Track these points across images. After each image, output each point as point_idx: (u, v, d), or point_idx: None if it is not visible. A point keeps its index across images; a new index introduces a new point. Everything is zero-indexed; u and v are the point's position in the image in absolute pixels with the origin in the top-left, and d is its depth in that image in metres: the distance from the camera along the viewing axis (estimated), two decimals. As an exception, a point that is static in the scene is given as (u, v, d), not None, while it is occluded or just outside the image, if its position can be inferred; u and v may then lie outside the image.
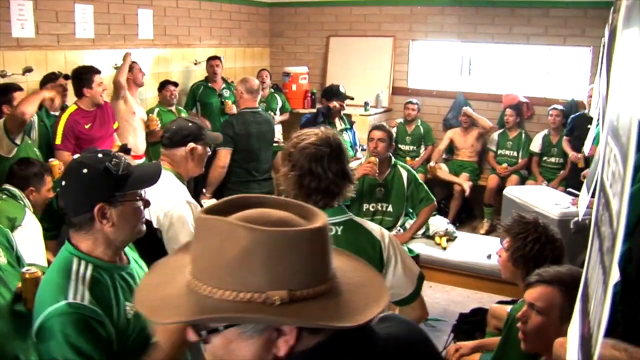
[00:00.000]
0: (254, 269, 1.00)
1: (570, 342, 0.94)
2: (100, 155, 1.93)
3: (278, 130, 7.58)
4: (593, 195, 2.16)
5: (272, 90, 7.88)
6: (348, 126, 5.86)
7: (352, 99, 5.84)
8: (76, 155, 1.97)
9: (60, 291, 1.78)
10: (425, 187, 4.68)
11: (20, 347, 2.38)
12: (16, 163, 3.77)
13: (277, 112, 7.68)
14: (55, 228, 4.05)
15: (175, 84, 6.58)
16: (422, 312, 2.39)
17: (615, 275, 0.57)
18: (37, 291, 2.26)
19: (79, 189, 1.87)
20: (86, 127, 4.88)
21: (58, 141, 4.78)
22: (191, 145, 3.16)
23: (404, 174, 4.59)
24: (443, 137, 7.95)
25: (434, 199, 4.70)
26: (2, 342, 2.33)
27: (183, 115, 6.25)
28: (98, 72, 5.02)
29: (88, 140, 4.84)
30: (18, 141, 4.14)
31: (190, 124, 3.23)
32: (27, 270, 2.37)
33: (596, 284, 0.71)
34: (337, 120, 5.75)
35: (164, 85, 6.47)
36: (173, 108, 6.48)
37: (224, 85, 7.13)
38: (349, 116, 6.23)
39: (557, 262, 2.75)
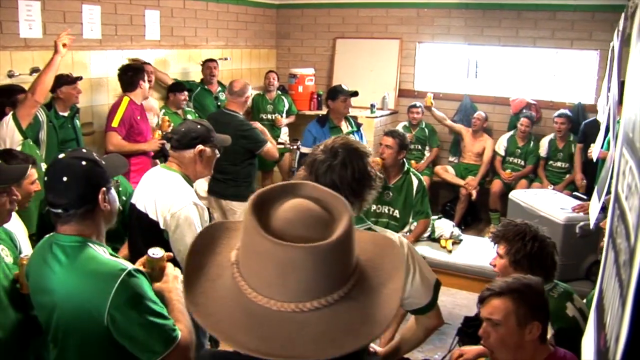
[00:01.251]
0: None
1: (585, 354, 0.93)
2: (83, 150, 2.17)
3: (284, 132, 7.58)
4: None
5: (280, 92, 7.86)
6: (355, 129, 5.84)
7: (357, 94, 5.81)
8: (61, 155, 2.11)
9: (113, 266, 2.00)
10: (428, 201, 4.75)
11: (30, 337, 2.43)
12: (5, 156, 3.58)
13: (284, 114, 7.67)
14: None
15: (190, 90, 6.64)
16: (437, 321, 2.33)
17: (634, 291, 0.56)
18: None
19: (85, 179, 2.04)
20: (138, 117, 5.31)
21: (115, 124, 5.15)
22: (199, 147, 3.17)
23: (415, 182, 4.59)
24: (448, 139, 7.97)
25: (431, 215, 4.86)
26: (13, 335, 2.38)
27: (189, 117, 6.24)
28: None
29: (137, 131, 5.28)
30: (25, 132, 4.20)
31: (199, 126, 3.24)
32: (24, 256, 2.44)
33: (612, 297, 0.71)
34: (343, 123, 5.73)
35: (179, 88, 6.42)
36: (180, 111, 6.44)
37: (219, 89, 7.09)
38: (355, 118, 6.22)
39: (554, 260, 2.89)
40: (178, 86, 6.45)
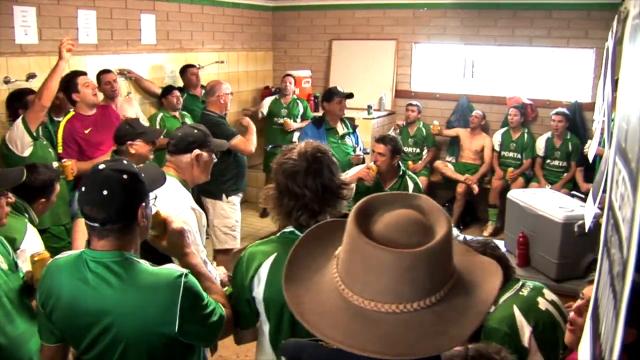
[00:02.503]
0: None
1: (581, 363, 0.94)
2: (124, 161, 2.06)
3: (297, 136, 7.58)
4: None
5: (295, 97, 7.81)
6: (351, 130, 5.84)
7: (352, 95, 5.80)
8: (101, 166, 1.99)
9: (168, 274, 1.97)
10: None
11: (35, 345, 2.44)
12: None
13: (299, 118, 7.63)
14: None
15: (180, 89, 6.55)
16: None
17: (627, 304, 0.57)
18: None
19: (125, 194, 1.96)
20: (86, 132, 4.84)
21: (60, 149, 4.77)
22: (196, 151, 3.18)
23: (411, 185, 4.58)
24: (445, 140, 7.97)
25: None
26: (17, 344, 2.41)
27: (187, 121, 6.21)
28: (82, 73, 4.98)
29: (89, 145, 4.84)
30: (35, 134, 4.36)
31: (195, 131, 3.26)
32: (36, 253, 2.45)
33: (607, 307, 0.71)
34: (339, 125, 5.73)
35: (169, 90, 6.37)
36: (177, 113, 6.37)
37: (204, 92, 6.87)
38: (351, 120, 6.22)
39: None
40: (167, 89, 6.40)
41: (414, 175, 4.82)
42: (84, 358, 2.04)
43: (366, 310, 1.12)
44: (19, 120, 4.34)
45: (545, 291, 2.96)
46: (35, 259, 2.47)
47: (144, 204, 2.01)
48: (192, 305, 1.96)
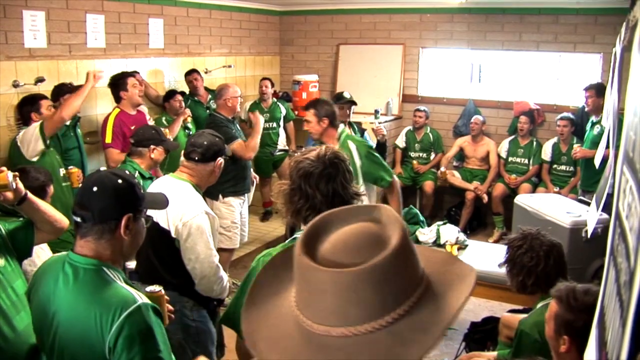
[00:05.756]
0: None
1: (587, 371, 0.94)
2: (127, 172, 2.09)
3: (282, 138, 7.58)
4: (603, 210, 2.15)
5: (275, 99, 7.76)
6: (358, 135, 5.82)
7: (355, 103, 5.75)
8: (102, 168, 2.03)
9: (123, 295, 1.87)
10: (383, 162, 4.34)
11: None
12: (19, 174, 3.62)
13: (281, 121, 7.62)
14: None
15: (182, 93, 6.52)
16: None
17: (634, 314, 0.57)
18: None
19: (113, 196, 1.95)
20: (132, 128, 4.99)
21: (108, 140, 5.02)
22: (220, 160, 3.25)
23: (353, 148, 4.25)
24: (453, 144, 7.95)
25: (393, 177, 4.34)
26: (25, 336, 2.41)
27: (189, 125, 6.06)
28: (131, 75, 5.35)
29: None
30: (48, 142, 4.44)
31: (217, 139, 3.32)
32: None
33: (613, 316, 0.71)
34: (347, 129, 5.72)
35: (171, 94, 6.32)
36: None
37: (210, 97, 6.90)
38: (359, 124, 6.21)
39: (535, 268, 2.91)
40: (170, 93, 6.38)
41: (356, 138, 4.49)
42: None
43: (316, 335, 1.02)
44: (37, 126, 4.40)
45: None
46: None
47: (130, 214, 1.96)
48: (132, 335, 1.80)
